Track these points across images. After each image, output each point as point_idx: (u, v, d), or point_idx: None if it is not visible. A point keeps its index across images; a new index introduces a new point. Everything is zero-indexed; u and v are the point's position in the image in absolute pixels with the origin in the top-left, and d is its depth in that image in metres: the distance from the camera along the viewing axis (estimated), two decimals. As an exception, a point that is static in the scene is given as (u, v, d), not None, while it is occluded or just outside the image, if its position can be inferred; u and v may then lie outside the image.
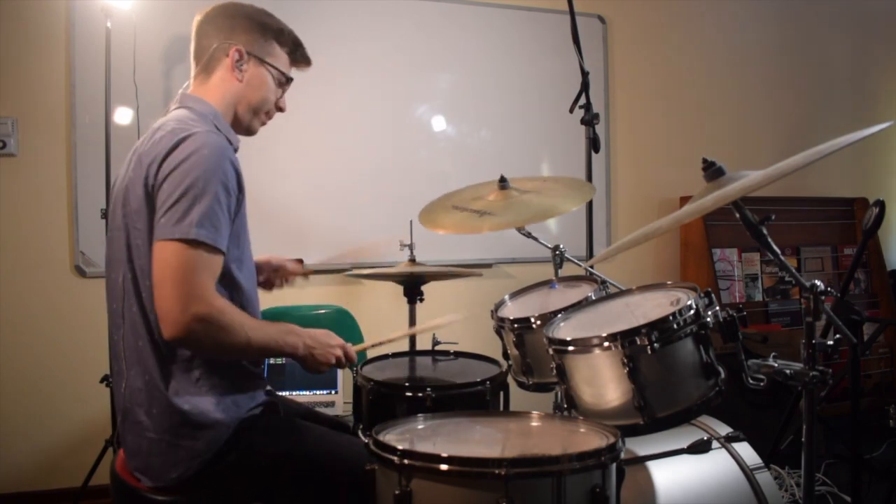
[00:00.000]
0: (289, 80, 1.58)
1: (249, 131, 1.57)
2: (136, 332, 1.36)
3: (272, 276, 1.87)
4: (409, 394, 1.65)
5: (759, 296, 3.88)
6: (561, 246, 2.05)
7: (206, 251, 1.28)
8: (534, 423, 1.36)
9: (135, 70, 2.87)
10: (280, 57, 1.55)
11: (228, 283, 1.39)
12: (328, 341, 1.47)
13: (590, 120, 2.20)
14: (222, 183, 1.31)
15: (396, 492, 1.10)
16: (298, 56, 1.59)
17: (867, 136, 1.14)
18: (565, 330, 1.50)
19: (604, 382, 1.33)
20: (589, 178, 2.24)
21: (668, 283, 1.53)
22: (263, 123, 1.59)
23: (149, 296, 1.33)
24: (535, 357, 1.67)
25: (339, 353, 1.48)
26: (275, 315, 2.68)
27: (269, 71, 1.53)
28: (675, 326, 1.29)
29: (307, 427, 1.49)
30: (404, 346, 2.29)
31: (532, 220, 1.96)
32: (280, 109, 1.60)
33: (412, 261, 2.35)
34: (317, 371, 1.46)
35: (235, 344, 1.30)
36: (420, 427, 1.34)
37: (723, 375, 1.34)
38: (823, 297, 1.28)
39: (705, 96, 3.93)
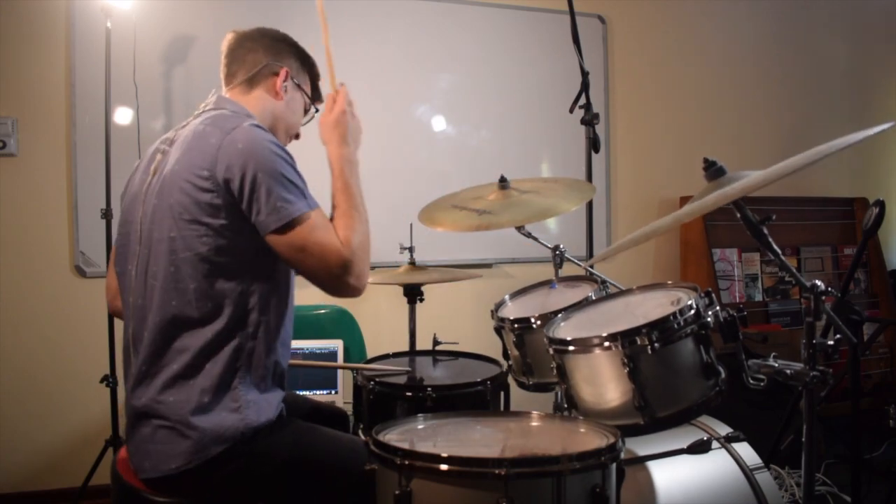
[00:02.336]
0: (315, 111, 1.66)
1: None
2: (162, 324, 1.36)
3: None
4: (409, 394, 1.65)
5: (759, 296, 3.88)
6: (561, 246, 2.05)
7: (306, 217, 1.33)
8: (534, 423, 1.36)
9: (135, 70, 2.87)
10: (309, 88, 1.64)
11: (267, 279, 1.40)
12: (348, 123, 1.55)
13: (590, 120, 2.20)
14: (280, 156, 1.35)
15: (396, 492, 1.10)
16: (315, 94, 1.67)
17: (868, 137, 1.14)
18: (565, 330, 1.50)
19: (604, 382, 1.33)
20: (589, 178, 2.24)
21: (669, 282, 1.53)
22: (286, 145, 1.62)
23: (178, 286, 1.34)
24: (535, 357, 1.67)
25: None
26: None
27: (303, 97, 1.62)
28: (675, 326, 1.29)
29: (308, 428, 1.49)
30: (404, 346, 2.29)
31: (532, 220, 1.96)
32: (297, 136, 1.66)
33: (412, 264, 2.35)
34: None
35: (368, 233, 1.42)
36: (420, 427, 1.34)
37: (723, 375, 1.34)
38: (823, 297, 1.28)
39: (705, 96, 3.93)
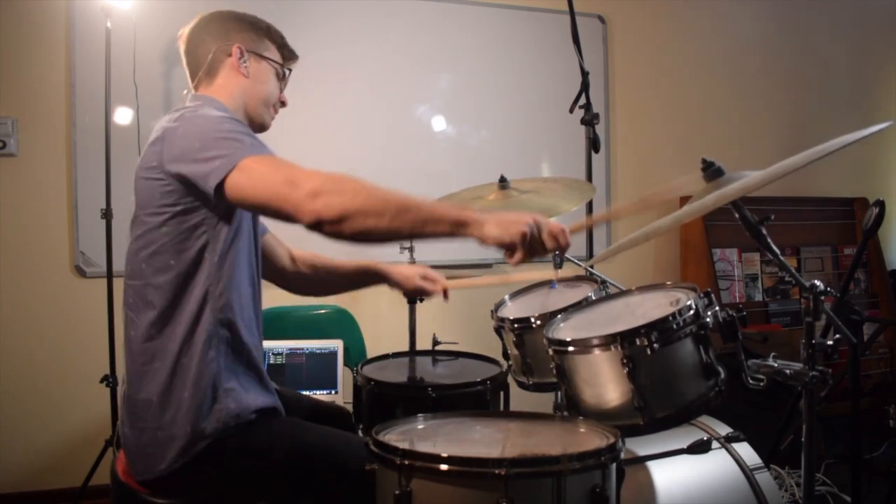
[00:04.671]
0: (287, 72, 1.61)
1: (263, 127, 1.59)
2: (138, 325, 1.37)
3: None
4: (409, 394, 1.65)
5: (759, 296, 3.88)
6: (561, 246, 2.04)
7: (247, 163, 1.26)
8: (534, 423, 1.36)
9: (135, 70, 2.87)
10: (274, 51, 1.59)
11: (218, 272, 1.38)
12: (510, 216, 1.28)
13: (590, 120, 2.20)
14: (218, 122, 1.33)
15: (396, 492, 1.10)
16: (286, 52, 1.62)
17: (867, 137, 1.15)
18: (565, 330, 1.50)
19: (604, 383, 1.33)
20: (589, 178, 2.24)
21: (668, 283, 1.53)
22: (272, 118, 1.61)
23: (146, 282, 1.35)
24: (535, 357, 1.67)
25: (530, 220, 1.28)
26: (275, 315, 2.68)
27: (269, 65, 1.56)
28: (674, 327, 1.29)
29: (307, 427, 1.49)
30: (404, 346, 2.29)
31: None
32: (283, 104, 1.62)
33: (412, 262, 2.35)
34: (500, 242, 1.26)
35: (376, 204, 1.22)
36: (420, 427, 1.34)
37: (723, 375, 1.34)
38: (823, 297, 1.28)
39: (705, 96, 3.93)
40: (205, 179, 1.27)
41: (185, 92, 1.55)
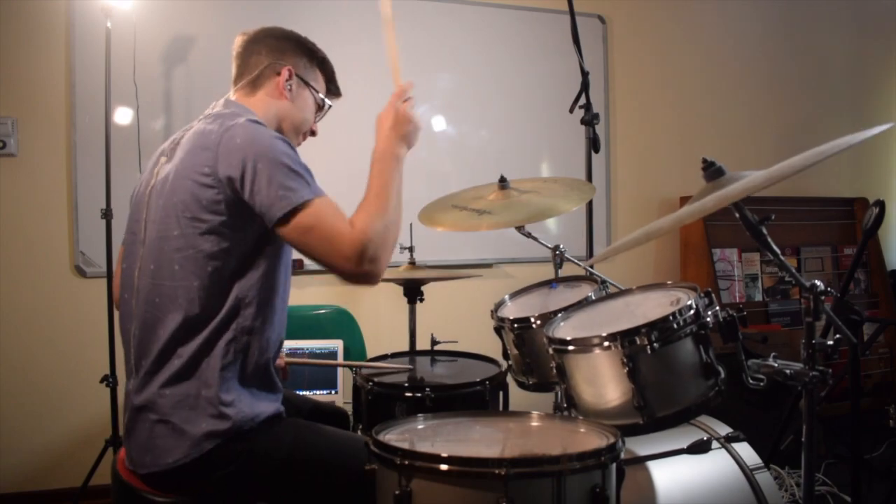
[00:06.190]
0: (326, 106, 1.66)
1: None
2: (166, 322, 1.36)
3: None
4: (409, 394, 1.65)
5: (759, 296, 3.88)
6: (561, 246, 2.05)
7: (310, 204, 1.31)
8: (534, 423, 1.36)
9: (135, 70, 2.87)
10: (321, 83, 1.64)
11: (267, 283, 1.41)
12: (401, 114, 1.59)
13: (590, 120, 2.20)
14: (279, 146, 1.35)
15: (396, 492, 1.10)
16: (332, 87, 1.68)
17: (868, 138, 1.15)
18: (565, 329, 1.50)
19: (604, 382, 1.33)
20: (589, 178, 2.24)
21: (669, 282, 1.53)
22: (299, 144, 1.62)
23: (182, 284, 1.35)
24: (535, 357, 1.67)
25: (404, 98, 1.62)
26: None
27: (312, 94, 1.61)
28: (674, 326, 1.29)
29: (309, 429, 1.49)
30: (404, 346, 2.29)
31: (532, 220, 1.96)
32: (313, 133, 1.66)
33: (412, 263, 2.35)
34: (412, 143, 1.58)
35: (396, 223, 1.39)
36: (420, 427, 1.35)
37: (722, 375, 1.34)
38: (823, 297, 1.28)
39: (705, 96, 3.93)
40: (269, 209, 1.30)
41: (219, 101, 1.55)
